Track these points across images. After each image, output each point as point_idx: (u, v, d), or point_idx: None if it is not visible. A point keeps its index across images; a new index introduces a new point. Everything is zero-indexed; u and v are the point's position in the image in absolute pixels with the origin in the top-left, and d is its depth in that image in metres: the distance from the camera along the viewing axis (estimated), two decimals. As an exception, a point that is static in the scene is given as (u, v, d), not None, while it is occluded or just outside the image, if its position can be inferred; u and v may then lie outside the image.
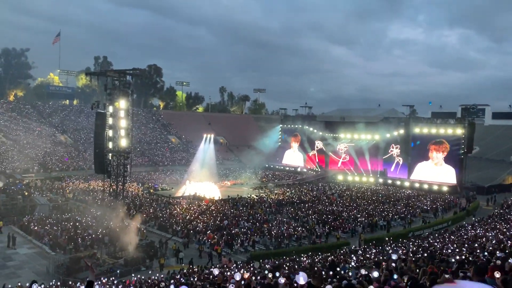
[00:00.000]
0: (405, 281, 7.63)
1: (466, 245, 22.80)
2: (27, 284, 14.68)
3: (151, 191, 49.34)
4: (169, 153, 76.76)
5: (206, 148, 61.04)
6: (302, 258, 25.22)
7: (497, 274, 5.46)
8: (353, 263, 19.07)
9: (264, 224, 35.19)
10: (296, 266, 20.23)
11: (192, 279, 18.84)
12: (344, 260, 21.65)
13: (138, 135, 75.19)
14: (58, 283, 21.16)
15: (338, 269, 16.20)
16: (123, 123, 27.86)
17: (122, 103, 27.82)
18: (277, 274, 13.02)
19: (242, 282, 8.98)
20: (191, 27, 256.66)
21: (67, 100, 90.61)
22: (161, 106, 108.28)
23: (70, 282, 21.42)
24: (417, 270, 10.69)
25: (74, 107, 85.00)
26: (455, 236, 29.33)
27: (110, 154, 27.93)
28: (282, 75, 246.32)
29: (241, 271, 16.67)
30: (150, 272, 25.02)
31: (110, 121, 27.62)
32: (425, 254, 20.40)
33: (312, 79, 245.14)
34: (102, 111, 28.07)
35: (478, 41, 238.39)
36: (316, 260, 24.03)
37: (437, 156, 54.76)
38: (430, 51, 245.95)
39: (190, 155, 71.10)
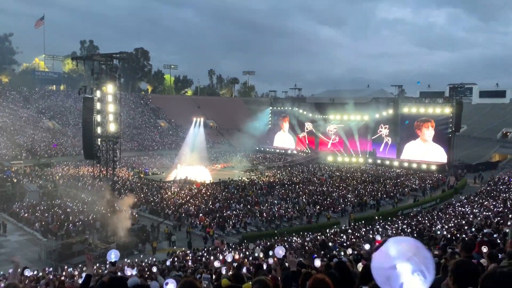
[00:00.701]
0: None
1: (453, 222, 23.24)
2: (17, 270, 14.60)
3: (142, 175, 49.22)
4: (159, 137, 76.40)
5: (196, 132, 60.84)
6: (293, 238, 25.50)
7: (484, 249, 5.57)
8: (344, 243, 19.34)
9: (256, 206, 35.43)
10: (288, 246, 20.44)
11: (184, 262, 19.00)
12: (334, 239, 21.95)
13: (127, 120, 74.47)
14: (51, 269, 21.18)
15: (330, 244, 16.43)
16: (111, 107, 27.56)
17: (110, 88, 27.47)
18: (270, 253, 13.16)
19: (234, 264, 9.06)
20: (177, 8, 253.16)
21: (54, 86, 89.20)
22: (149, 90, 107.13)
23: (65, 267, 21.47)
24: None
25: (61, 92, 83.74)
26: (443, 214, 29.86)
27: (99, 139, 27.68)
28: (271, 56, 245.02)
29: (233, 253, 16.82)
30: (142, 256, 25.14)
31: (98, 106, 27.29)
32: (414, 232, 20.78)
33: (301, 61, 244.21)
34: (89, 96, 27.71)
35: (466, 20, 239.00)
36: (307, 239, 24.33)
37: (428, 133, 55.20)
38: (418, 31, 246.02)
39: (180, 139, 70.78)
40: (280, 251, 3.65)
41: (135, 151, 66.36)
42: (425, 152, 55.31)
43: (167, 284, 3.21)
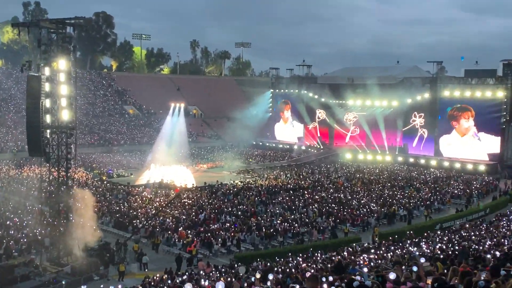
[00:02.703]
0: (429, 282, 7.79)
1: (508, 238, 23.34)
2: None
3: (104, 178, 49.29)
4: (126, 128, 76.43)
5: (174, 122, 60.90)
6: (299, 259, 25.53)
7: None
8: (365, 268, 19.39)
9: (252, 218, 35.54)
10: (293, 270, 20.51)
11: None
12: (353, 260, 22.01)
13: (85, 106, 74.45)
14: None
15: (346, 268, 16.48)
16: (64, 89, 27.48)
17: (62, 64, 27.39)
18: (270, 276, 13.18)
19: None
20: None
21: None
22: (114, 67, 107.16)
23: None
24: (445, 271, 10.93)
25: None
26: (494, 228, 29.99)
27: (48, 131, 27.61)
28: (272, 24, 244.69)
29: (223, 279, 16.86)
30: (104, 283, 25.07)
31: (46, 87, 27.18)
32: (456, 252, 20.85)
33: (311, 30, 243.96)
34: (35, 74, 27.61)
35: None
36: (319, 261, 24.39)
37: (468, 126, 55.41)
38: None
39: (154, 130, 70.84)
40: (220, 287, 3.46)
41: (95, 147, 66.49)
42: (462, 148, 55.61)
43: None
